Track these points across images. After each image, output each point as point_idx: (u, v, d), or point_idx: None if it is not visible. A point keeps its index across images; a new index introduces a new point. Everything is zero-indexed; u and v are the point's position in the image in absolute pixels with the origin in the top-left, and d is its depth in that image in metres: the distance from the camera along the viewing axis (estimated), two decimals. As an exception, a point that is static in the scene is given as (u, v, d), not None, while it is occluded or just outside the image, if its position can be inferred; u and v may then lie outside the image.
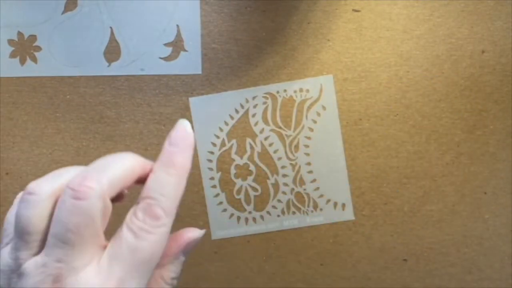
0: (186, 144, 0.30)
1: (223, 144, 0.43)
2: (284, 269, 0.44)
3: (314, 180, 0.43)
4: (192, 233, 0.30)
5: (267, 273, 0.44)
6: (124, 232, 0.27)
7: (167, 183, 0.28)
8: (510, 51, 0.42)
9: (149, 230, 0.27)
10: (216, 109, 0.43)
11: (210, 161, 0.43)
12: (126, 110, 0.43)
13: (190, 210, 0.43)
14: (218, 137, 0.43)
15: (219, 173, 0.43)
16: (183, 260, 0.30)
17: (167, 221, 0.27)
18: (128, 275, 0.26)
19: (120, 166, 0.27)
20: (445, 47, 0.43)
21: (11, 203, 0.43)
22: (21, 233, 0.26)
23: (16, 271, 0.26)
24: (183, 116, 0.43)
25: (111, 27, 0.42)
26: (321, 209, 0.43)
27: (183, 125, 0.29)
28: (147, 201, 0.27)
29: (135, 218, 0.27)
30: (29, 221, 0.26)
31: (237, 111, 0.43)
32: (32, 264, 0.25)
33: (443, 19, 0.42)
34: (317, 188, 0.43)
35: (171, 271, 0.30)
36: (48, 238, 0.26)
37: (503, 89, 0.43)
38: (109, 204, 0.27)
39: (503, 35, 0.42)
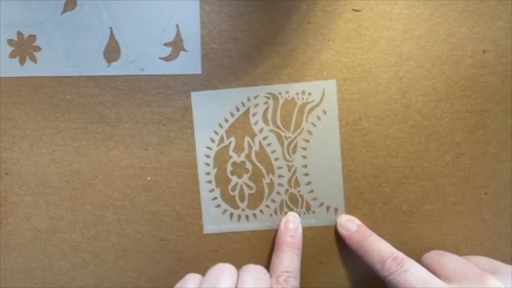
0: (299, 232, 0.43)
1: (221, 140, 0.43)
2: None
3: (309, 183, 0.43)
4: None
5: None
6: None
7: (296, 260, 0.41)
8: (511, 51, 0.42)
9: None
10: (217, 106, 0.43)
11: (207, 156, 0.43)
12: (126, 110, 0.43)
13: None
14: (217, 133, 0.43)
15: (215, 169, 0.44)
16: None
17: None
18: None
19: None
20: (445, 47, 0.42)
21: (11, 203, 0.44)
22: None
23: None
24: (183, 116, 0.43)
25: (110, 27, 0.42)
26: (313, 212, 0.43)
27: (294, 217, 0.43)
28: (286, 274, 0.40)
29: (280, 286, 0.39)
30: None
31: (238, 109, 0.43)
32: None
33: (444, 18, 0.42)
34: (311, 191, 0.43)
35: None
36: None
37: (504, 89, 0.43)
38: None
39: (505, 35, 0.42)
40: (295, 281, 0.40)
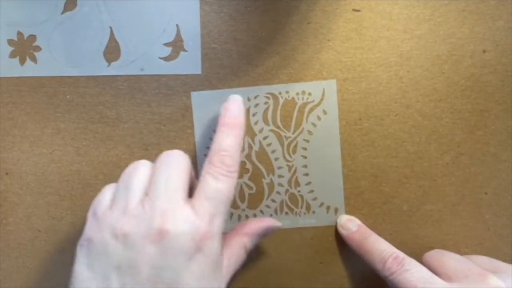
0: (240, 111, 0.39)
1: (221, 140, 0.44)
2: (283, 267, 0.44)
3: (309, 183, 0.43)
4: (274, 223, 0.40)
5: (266, 271, 0.44)
6: (207, 177, 0.35)
7: (235, 139, 0.37)
8: (511, 51, 0.42)
9: (226, 174, 0.35)
10: (217, 106, 0.43)
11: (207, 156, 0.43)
12: (126, 110, 0.43)
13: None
14: (217, 133, 0.43)
15: None
16: (258, 240, 0.40)
17: (236, 169, 0.36)
18: (215, 210, 0.34)
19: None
20: (445, 47, 0.42)
21: (11, 203, 0.44)
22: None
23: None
24: (183, 116, 0.43)
25: (110, 27, 0.42)
26: (313, 212, 0.43)
27: (236, 98, 0.39)
28: (221, 153, 0.36)
29: (213, 166, 0.35)
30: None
31: (238, 109, 0.43)
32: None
33: (444, 18, 0.42)
34: (311, 191, 0.43)
35: (251, 243, 0.39)
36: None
37: (504, 89, 0.43)
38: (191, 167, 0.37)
39: (505, 35, 0.42)
40: (231, 161, 0.36)
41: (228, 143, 0.37)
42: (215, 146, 0.37)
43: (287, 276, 0.44)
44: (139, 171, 0.36)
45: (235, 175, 0.36)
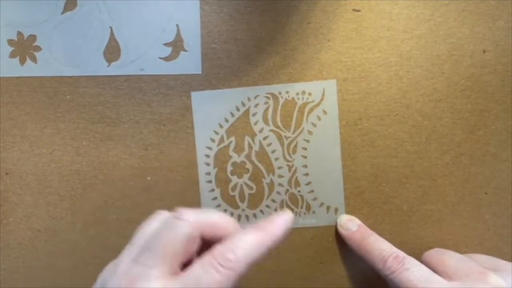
0: (281, 226, 0.33)
1: (221, 140, 0.44)
2: (284, 267, 0.44)
3: (309, 183, 0.43)
4: None
5: (266, 271, 0.44)
6: (195, 263, 0.30)
7: (250, 241, 0.31)
8: (511, 51, 0.42)
9: (217, 268, 0.29)
10: (217, 106, 0.43)
11: (207, 156, 0.43)
12: (126, 110, 0.43)
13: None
14: (217, 133, 0.43)
15: (216, 169, 0.44)
16: None
17: (234, 268, 0.30)
18: None
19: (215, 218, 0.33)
20: (445, 47, 0.42)
21: (11, 203, 0.44)
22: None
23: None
24: (183, 116, 0.43)
25: (110, 27, 0.42)
26: (313, 212, 0.43)
27: (287, 214, 0.34)
28: (228, 246, 0.30)
29: (210, 255, 0.30)
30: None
31: (238, 109, 0.43)
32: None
33: (444, 18, 0.42)
34: (312, 191, 0.43)
35: None
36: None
37: (504, 89, 0.43)
38: (196, 240, 0.31)
39: (505, 35, 0.42)
40: (234, 257, 0.30)
41: (246, 240, 0.31)
42: (230, 238, 0.32)
43: (287, 276, 0.44)
44: (149, 225, 0.33)
45: (230, 273, 0.30)
